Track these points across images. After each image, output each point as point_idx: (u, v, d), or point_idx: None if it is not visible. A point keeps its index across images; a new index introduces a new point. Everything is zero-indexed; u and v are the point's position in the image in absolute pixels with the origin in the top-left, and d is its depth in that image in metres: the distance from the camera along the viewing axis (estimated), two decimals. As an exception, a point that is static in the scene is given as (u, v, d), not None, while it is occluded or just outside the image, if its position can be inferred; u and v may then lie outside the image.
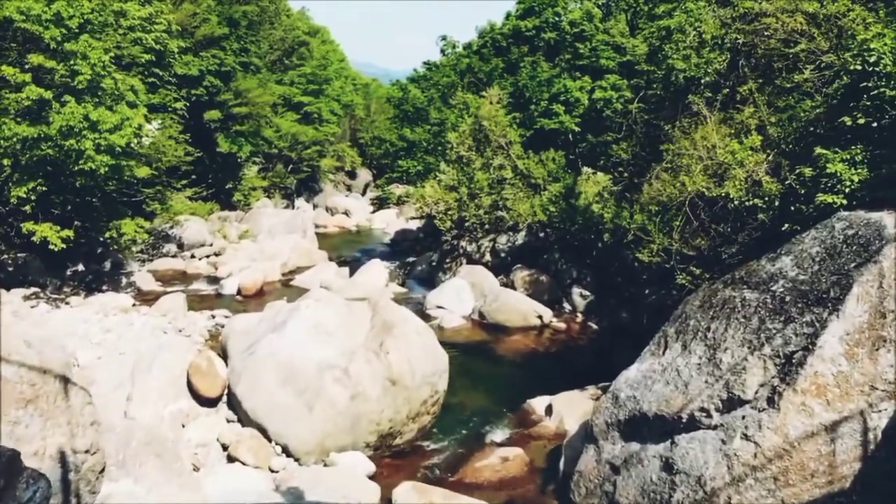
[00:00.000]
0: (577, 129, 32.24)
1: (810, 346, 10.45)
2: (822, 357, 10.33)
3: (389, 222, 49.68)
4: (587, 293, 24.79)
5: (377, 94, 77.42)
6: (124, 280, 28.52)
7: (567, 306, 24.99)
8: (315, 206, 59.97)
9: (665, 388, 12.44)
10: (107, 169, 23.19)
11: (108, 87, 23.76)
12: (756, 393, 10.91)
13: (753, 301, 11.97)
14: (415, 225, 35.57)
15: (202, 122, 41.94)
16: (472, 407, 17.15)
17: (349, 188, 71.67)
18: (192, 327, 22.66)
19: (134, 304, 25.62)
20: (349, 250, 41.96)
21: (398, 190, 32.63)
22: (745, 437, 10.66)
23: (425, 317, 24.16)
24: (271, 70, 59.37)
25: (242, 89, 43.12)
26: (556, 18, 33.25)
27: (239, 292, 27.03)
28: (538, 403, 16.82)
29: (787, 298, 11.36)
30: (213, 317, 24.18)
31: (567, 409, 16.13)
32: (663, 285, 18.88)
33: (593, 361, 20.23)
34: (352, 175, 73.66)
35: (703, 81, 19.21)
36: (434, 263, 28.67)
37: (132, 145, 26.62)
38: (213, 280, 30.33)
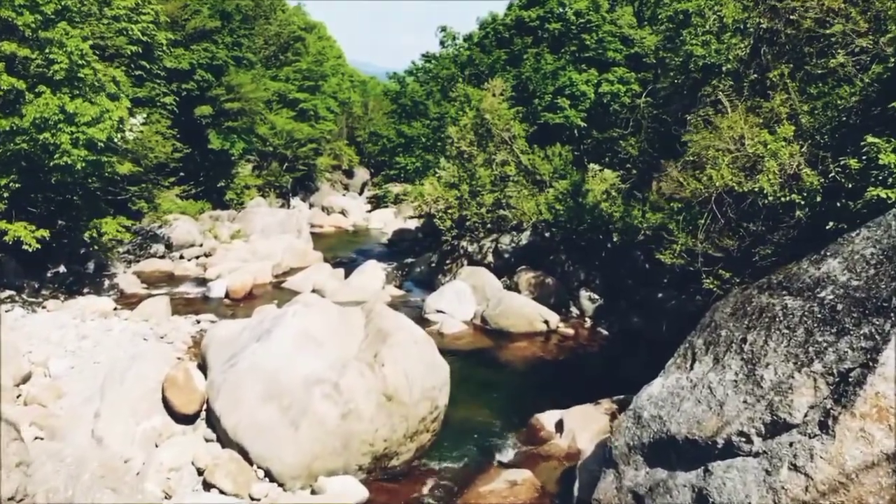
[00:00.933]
0: (582, 124, 30.84)
1: (870, 363, 9.00)
2: (885, 376, 8.89)
3: (387, 222, 48.21)
4: (596, 296, 23.38)
5: (375, 92, 75.96)
6: (107, 282, 27.07)
7: (575, 310, 23.57)
8: (311, 206, 58.52)
9: (696, 408, 11.02)
10: (84, 165, 21.72)
11: (87, 78, 22.29)
12: (805, 416, 9.47)
13: (797, 310, 10.53)
14: (413, 225, 34.15)
15: (193, 118, 40.50)
16: (476, 422, 15.73)
17: (346, 187, 70.18)
18: (174, 333, 21.24)
19: (115, 308, 24.18)
20: (345, 251, 40.51)
21: (396, 188, 31.15)
22: (794, 467, 9.22)
23: (424, 322, 22.75)
24: (266, 66, 57.93)
25: (235, 84, 41.66)
26: (561, 8, 31.83)
27: (227, 295, 25.61)
28: (547, 419, 15.39)
29: (839, 307, 9.91)
30: (199, 321, 22.76)
31: (580, 426, 14.72)
32: (683, 289, 17.44)
33: (605, 371, 18.82)
34: (349, 174, 72.16)
35: (724, 69, 17.77)
36: (433, 265, 27.24)
37: (115, 140, 25.21)
38: (202, 282, 28.88)
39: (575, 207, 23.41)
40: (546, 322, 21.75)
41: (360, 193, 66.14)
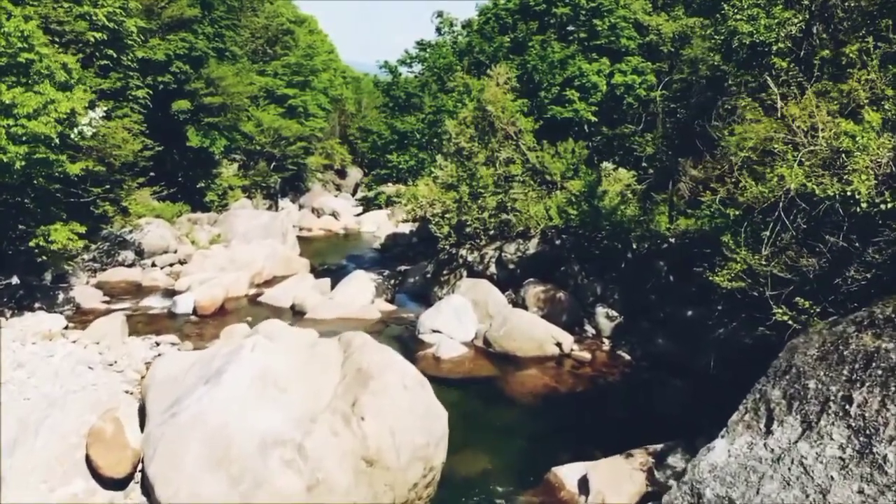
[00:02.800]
0: (593, 118, 27.91)
1: None
2: None
3: (380, 225, 45.25)
4: (614, 314, 20.45)
5: (369, 89, 72.92)
6: (61, 296, 24.06)
7: (590, 329, 20.63)
8: (301, 207, 55.56)
9: (785, 493, 8.09)
10: (24, 163, 18.74)
11: (29, 64, 19.35)
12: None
13: (934, 362, 7.62)
14: (408, 228, 31.19)
15: (170, 114, 37.50)
16: (479, 478, 12.83)
17: (339, 188, 67.22)
18: (126, 360, 18.25)
19: (67, 327, 21.27)
20: (334, 256, 37.57)
21: (389, 189, 28.17)
22: None
23: (418, 343, 19.81)
24: (252, 59, 54.91)
25: (215, 77, 38.67)
26: (570, -9, 28.89)
27: (195, 311, 22.64)
28: (568, 474, 12.46)
29: None
30: (157, 344, 19.79)
31: (609, 486, 11.79)
32: (731, 313, 14.46)
33: (633, 409, 15.87)
34: (341, 174, 69.20)
35: (774, 48, 14.83)
36: (429, 275, 24.28)
37: (71, 136, 22.31)
38: (171, 293, 25.90)
39: (590, 212, 20.48)
40: (559, 345, 18.82)
41: (353, 194, 63.11)
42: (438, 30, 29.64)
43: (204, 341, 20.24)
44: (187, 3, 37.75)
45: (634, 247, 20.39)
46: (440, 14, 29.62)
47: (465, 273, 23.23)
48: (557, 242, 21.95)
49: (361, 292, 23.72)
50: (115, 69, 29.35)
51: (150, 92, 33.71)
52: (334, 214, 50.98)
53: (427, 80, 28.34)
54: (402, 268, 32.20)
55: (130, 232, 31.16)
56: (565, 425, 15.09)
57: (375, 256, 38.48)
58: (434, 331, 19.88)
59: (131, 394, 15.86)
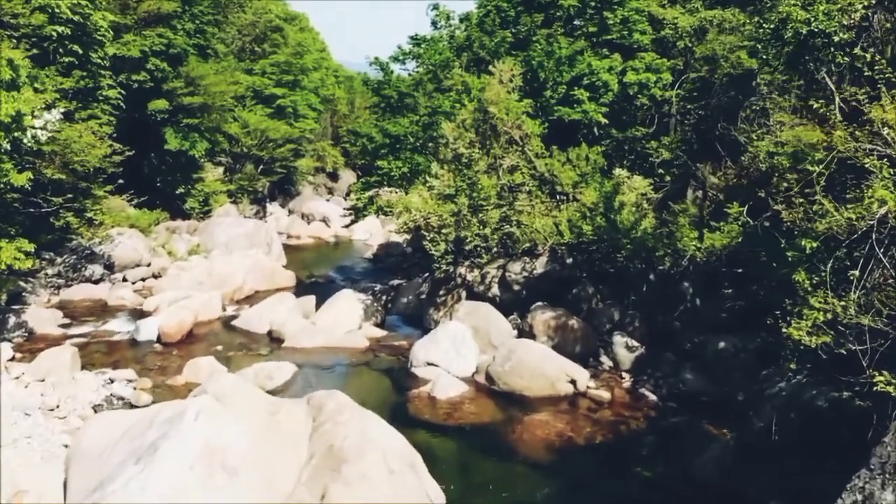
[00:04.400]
0: (604, 120, 25.41)
1: None
2: None
3: (373, 232, 42.84)
4: (634, 343, 17.96)
5: (362, 89, 70.31)
6: (12, 319, 21.51)
7: (606, 361, 18.13)
8: (290, 212, 53.11)
9: None
10: (-46, 172, 16.23)
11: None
12: None
13: None
14: (402, 237, 28.70)
15: (147, 114, 34.92)
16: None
17: (331, 191, 64.69)
18: (71, 403, 15.74)
19: (13, 358, 18.81)
20: (323, 267, 35.07)
21: (383, 197, 25.63)
22: None
23: (411, 380, 17.30)
24: (239, 58, 52.40)
25: (195, 76, 36.06)
26: (578, -20, 26.37)
27: (159, 339, 20.06)
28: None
29: None
30: (111, 381, 17.29)
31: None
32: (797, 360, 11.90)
33: (663, 466, 13.37)
34: (333, 177, 66.66)
35: (834, 39, 12.36)
36: (423, 296, 21.74)
37: (24, 142, 19.88)
38: (139, 315, 23.38)
39: (606, 227, 17.97)
40: (572, 382, 16.33)
41: (346, 197, 60.57)
42: (434, 23, 27.09)
43: (166, 376, 17.75)
44: (165, -3, 35.19)
45: (657, 267, 17.90)
46: (436, 6, 27.07)
47: (463, 294, 20.72)
48: (568, 261, 19.44)
49: (348, 315, 21.21)
50: (80, 67, 26.70)
51: (123, 92, 31.12)
52: (325, 220, 48.53)
53: (422, 77, 25.80)
54: (395, 282, 29.70)
55: (100, 244, 28.62)
56: (582, 483, 12.62)
57: (367, 267, 36.00)
58: (429, 364, 17.37)
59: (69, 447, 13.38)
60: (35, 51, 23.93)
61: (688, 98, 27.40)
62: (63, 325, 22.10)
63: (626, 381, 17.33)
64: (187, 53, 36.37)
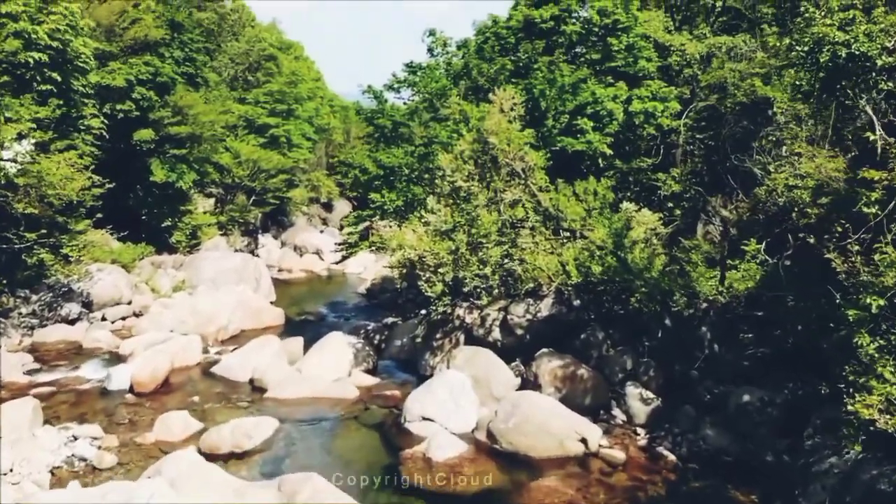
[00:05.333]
0: (609, 151, 24.12)
1: None
2: None
3: (367, 266, 41.30)
4: (649, 395, 16.41)
5: (358, 118, 69.27)
6: (-25, 365, 19.88)
7: (619, 415, 16.54)
8: (283, 244, 51.63)
9: None
10: None
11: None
12: None
13: None
14: (396, 272, 27.16)
15: (132, 144, 33.59)
16: None
17: (325, 221, 63.34)
18: (26, 466, 14.10)
19: (-32, 411, 17.16)
20: (314, 303, 33.53)
21: (377, 232, 24.16)
22: None
23: (404, 437, 15.68)
24: (231, 86, 51.35)
25: (183, 105, 34.79)
26: (581, 6, 25.23)
27: (131, 389, 18.44)
28: None
29: None
30: (75, 438, 15.65)
31: None
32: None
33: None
34: (328, 207, 65.35)
35: (877, 64, 11.02)
36: (419, 339, 20.18)
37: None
38: (115, 359, 21.83)
39: (618, 267, 16.51)
40: (583, 440, 14.74)
41: (341, 229, 59.19)
42: (430, 50, 25.88)
43: (135, 432, 16.14)
44: (154, 24, 34.05)
45: (672, 310, 16.42)
46: (432, 33, 25.87)
47: (462, 338, 19.19)
48: (576, 303, 17.95)
49: (337, 360, 19.64)
50: (59, 95, 25.37)
51: (106, 122, 29.80)
52: (318, 253, 47.09)
53: (417, 106, 24.50)
54: (390, 320, 28.18)
55: (78, 281, 27.08)
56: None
57: (360, 303, 34.46)
58: (425, 418, 15.76)
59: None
60: (6, 77, 22.70)
61: (696, 128, 26.17)
62: (30, 372, 20.51)
63: (642, 437, 15.73)
64: (175, 82, 35.17)
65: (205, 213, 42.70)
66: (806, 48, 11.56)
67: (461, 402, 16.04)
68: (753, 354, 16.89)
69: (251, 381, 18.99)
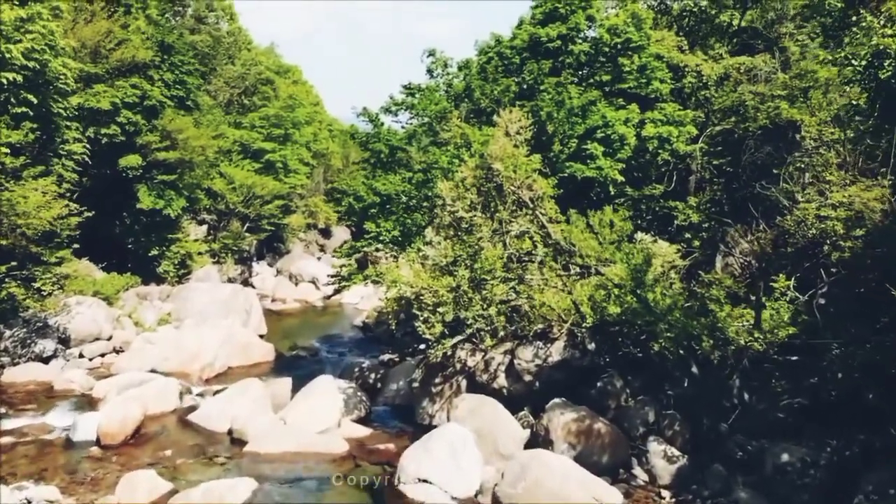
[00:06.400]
0: (620, 178, 22.54)
1: None
2: None
3: (364, 296, 39.55)
4: (674, 452, 14.60)
5: (355, 143, 67.89)
6: (-69, 412, 18.14)
7: (641, 474, 14.70)
8: (278, 272, 49.93)
9: None
10: None
11: None
12: None
13: None
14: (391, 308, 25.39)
15: (118, 170, 32.06)
16: None
17: (322, 248, 61.79)
18: (-38, 539, 12.32)
19: (-84, 467, 15.44)
20: (307, 337, 31.79)
21: (374, 265, 22.44)
22: None
23: (398, 501, 13.84)
24: (226, 111, 50.01)
25: (172, 129, 33.31)
26: (590, 25, 23.77)
27: (98, 441, 16.63)
28: None
29: None
30: (29, 502, 13.80)
31: None
32: None
33: None
34: (326, 233, 63.85)
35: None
36: (416, 384, 18.38)
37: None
38: (87, 403, 20.07)
39: (639, 308, 14.79)
40: (603, 508, 12.92)
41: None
42: (430, 71, 24.37)
43: (96, 493, 14.36)
44: (142, 45, 32.68)
45: (699, 355, 14.68)
46: (431, 53, 24.39)
47: (464, 384, 17.40)
48: (590, 346, 16.20)
49: (325, 408, 17.82)
50: (37, 118, 23.82)
51: (89, 146, 28.30)
52: (314, 282, 45.38)
53: (415, 130, 22.95)
54: (386, 356, 26.42)
55: (55, 315, 25.36)
56: None
57: (356, 337, 32.72)
58: (421, 480, 13.94)
59: None
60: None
61: (712, 153, 24.63)
62: (-6, 417, 18.71)
63: (667, 501, 13.90)
64: (164, 105, 33.72)
65: (196, 240, 41.09)
66: (863, 62, 9.93)
67: (463, 460, 14.22)
68: (789, 405, 15.15)
69: (230, 432, 17.15)
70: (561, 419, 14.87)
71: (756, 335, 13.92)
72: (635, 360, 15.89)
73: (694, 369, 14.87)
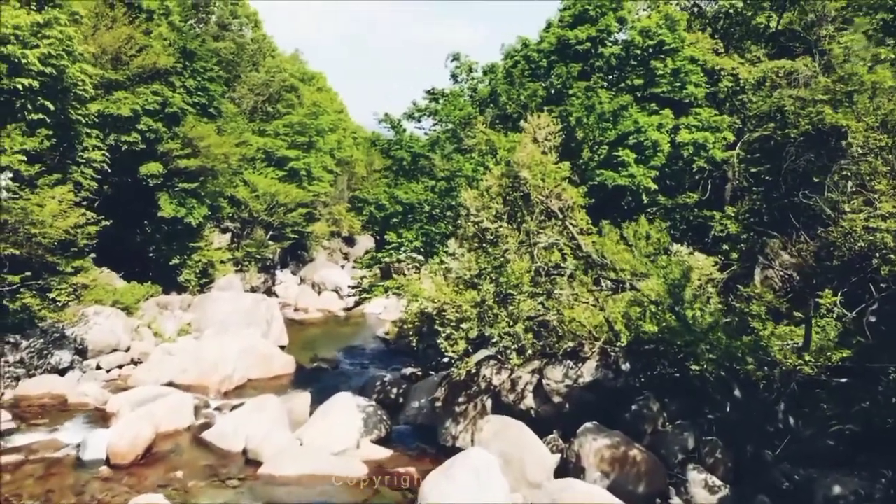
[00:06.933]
0: (653, 186, 21.54)
1: None
2: None
3: (387, 305, 38.80)
4: (716, 481, 13.57)
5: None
6: (-63, 427, 17.64)
7: (679, 505, 13.71)
8: (301, 280, 49.43)
9: None
10: None
11: None
12: None
13: None
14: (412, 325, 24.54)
15: (138, 178, 31.65)
16: None
17: (346, 256, 61.26)
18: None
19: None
20: (329, 348, 31.11)
21: (396, 278, 21.59)
22: None
23: (419, 531, 12.98)
24: (250, 118, 49.64)
25: (194, 137, 32.86)
26: (620, 27, 22.82)
27: (108, 461, 15.97)
28: None
29: None
30: (30, 530, 13.21)
31: None
32: None
33: None
34: (350, 241, 63.33)
35: None
36: (439, 403, 17.51)
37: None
38: (99, 419, 19.48)
39: (678, 327, 13.79)
40: (639, 543, 11.94)
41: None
42: (454, 76, 23.56)
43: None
44: (163, 52, 32.29)
45: (741, 376, 13.64)
46: (456, 57, 23.58)
47: (489, 403, 16.50)
48: (624, 367, 15.24)
49: (344, 427, 17.03)
50: (55, 125, 23.39)
51: (108, 154, 27.88)
52: (337, 290, 44.76)
53: (439, 136, 22.13)
54: (408, 370, 25.67)
55: (72, 325, 24.90)
56: None
57: (378, 349, 31.96)
58: (444, 509, 13.07)
59: None
60: None
61: (749, 160, 23.50)
62: (4, 433, 18.15)
63: (709, 536, 12.90)
64: (186, 112, 33.26)
65: (220, 249, 40.69)
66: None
67: (488, 488, 13.30)
68: (840, 432, 14.05)
69: (245, 452, 16.42)
70: (593, 445, 13.90)
71: (807, 358, 12.82)
72: (672, 381, 14.87)
73: (737, 392, 13.82)
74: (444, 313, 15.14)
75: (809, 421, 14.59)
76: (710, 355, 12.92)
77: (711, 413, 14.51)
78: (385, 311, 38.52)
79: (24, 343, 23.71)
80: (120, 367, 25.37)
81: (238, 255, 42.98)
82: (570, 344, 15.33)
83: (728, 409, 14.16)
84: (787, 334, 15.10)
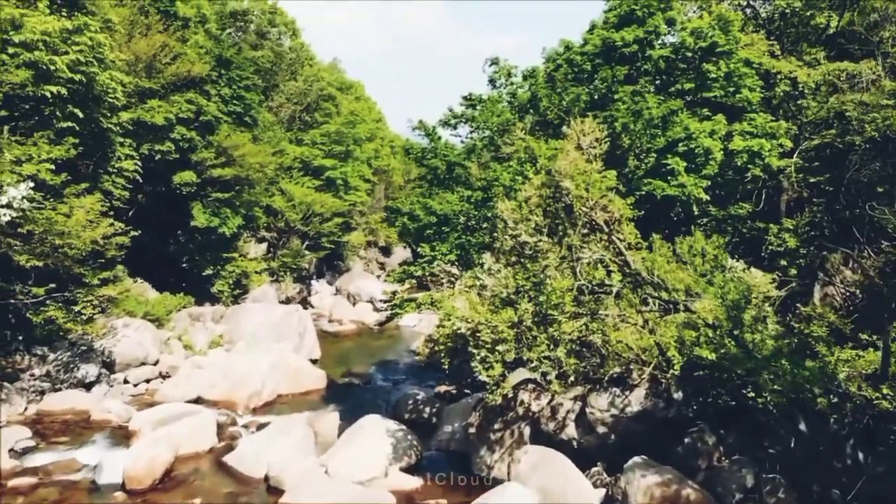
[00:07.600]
0: (705, 196, 20.16)
1: None
2: None
3: (422, 318, 37.76)
4: (781, 526, 12.17)
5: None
6: (-45, 445, 17.04)
7: (739, 552, 12.33)
8: (337, 291, 48.73)
9: None
10: None
11: None
12: None
13: None
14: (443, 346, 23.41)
15: (172, 187, 31.23)
16: None
17: (382, 266, 60.55)
18: None
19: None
20: (362, 363, 30.20)
21: (432, 291, 20.56)
22: None
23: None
24: (287, 127, 49.27)
25: (228, 146, 32.35)
26: (670, 29, 21.52)
27: (123, 486, 15.17)
28: None
29: None
30: (34, 561, 12.42)
31: None
32: None
33: None
34: (386, 252, 62.64)
35: None
36: (473, 429, 16.36)
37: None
38: (120, 438, 18.74)
39: (738, 354, 12.44)
40: None
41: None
42: (492, 81, 22.49)
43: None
44: (198, 60, 31.90)
45: (807, 408, 12.24)
46: (494, 62, 22.52)
47: (527, 431, 15.28)
48: (676, 396, 13.92)
49: (372, 453, 15.97)
50: (80, 133, 22.89)
51: (140, 163, 27.44)
52: (371, 301, 43.91)
53: (475, 144, 21.06)
54: (442, 388, 24.64)
55: (100, 338, 24.37)
56: None
57: (411, 364, 30.89)
58: (477, 551, 11.92)
59: None
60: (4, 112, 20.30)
61: (807, 169, 21.96)
62: (22, 452, 17.56)
63: (774, 589, 11.51)
64: (220, 121, 32.79)
65: (255, 259, 40.23)
66: None
67: (526, 528, 12.13)
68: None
69: (266, 479, 15.47)
70: (642, 482, 12.61)
71: (885, 391, 11.39)
72: (729, 411, 13.51)
73: (802, 425, 12.42)
74: (478, 334, 14.01)
75: (882, 458, 13.13)
76: (775, 385, 11.57)
77: (773, 447, 13.10)
78: (420, 324, 37.54)
79: (52, 356, 23.25)
80: (147, 381, 24.75)
81: (274, 265, 42.51)
82: (617, 369, 14.05)
83: (792, 444, 12.76)
84: (854, 359, 13.66)
